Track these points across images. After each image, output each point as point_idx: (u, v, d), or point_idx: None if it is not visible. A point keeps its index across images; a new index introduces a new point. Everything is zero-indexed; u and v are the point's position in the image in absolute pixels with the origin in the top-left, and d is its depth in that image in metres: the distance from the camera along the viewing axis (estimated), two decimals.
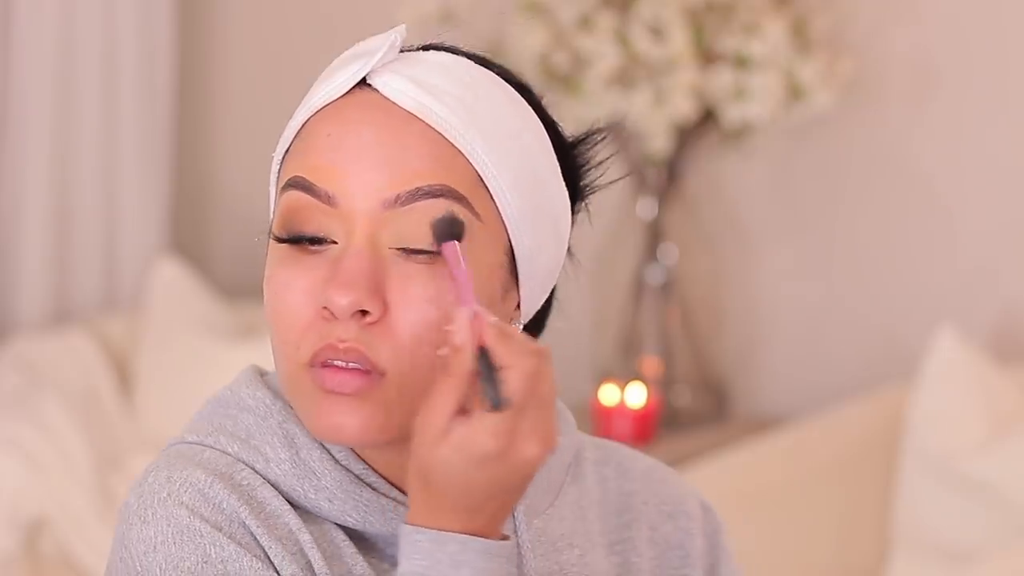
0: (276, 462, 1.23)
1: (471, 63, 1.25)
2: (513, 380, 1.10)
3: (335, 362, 1.17)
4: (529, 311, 1.27)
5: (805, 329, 3.38)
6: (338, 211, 1.19)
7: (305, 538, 1.21)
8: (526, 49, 3.12)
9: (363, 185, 1.18)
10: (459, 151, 1.20)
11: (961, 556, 2.77)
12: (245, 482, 1.22)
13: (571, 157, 1.29)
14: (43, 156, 3.54)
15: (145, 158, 3.68)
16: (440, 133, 1.20)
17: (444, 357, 1.13)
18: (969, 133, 3.18)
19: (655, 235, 3.31)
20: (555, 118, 1.29)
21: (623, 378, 3.22)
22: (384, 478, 1.24)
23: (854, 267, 3.31)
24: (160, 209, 3.72)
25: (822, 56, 3.13)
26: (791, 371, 3.39)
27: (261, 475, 1.23)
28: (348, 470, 1.23)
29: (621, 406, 3.17)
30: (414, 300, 1.17)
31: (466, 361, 1.11)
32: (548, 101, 1.29)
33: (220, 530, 1.19)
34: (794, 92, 3.10)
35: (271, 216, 1.25)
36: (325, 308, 1.17)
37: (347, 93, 1.21)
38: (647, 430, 3.17)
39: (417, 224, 1.18)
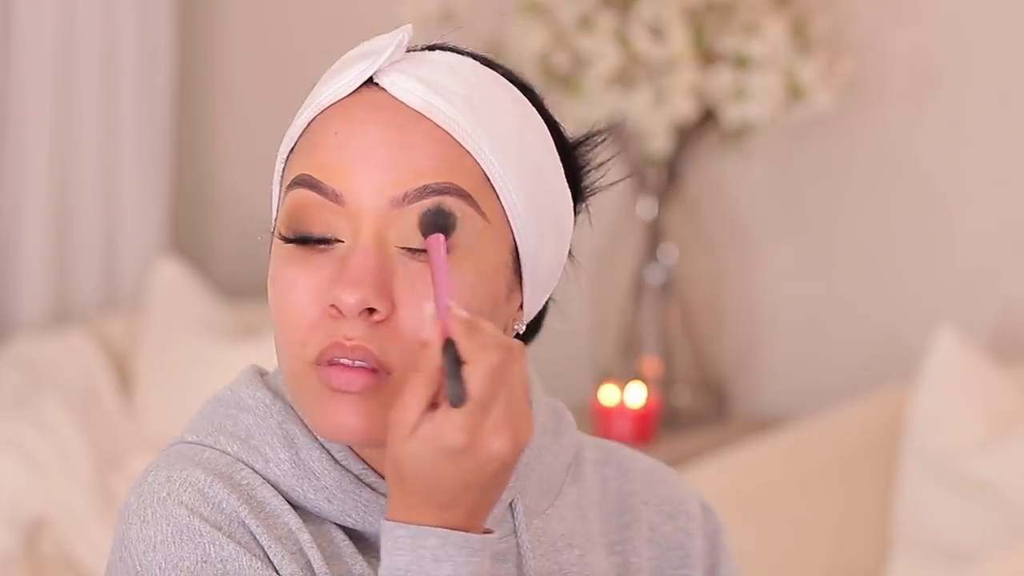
0: (276, 462, 1.23)
1: (476, 63, 1.25)
2: (476, 375, 1.11)
3: (341, 360, 1.17)
4: (531, 311, 1.28)
5: (805, 329, 3.38)
6: (345, 209, 1.19)
7: (304, 538, 1.21)
8: (526, 49, 3.12)
9: (371, 183, 1.18)
10: (466, 151, 1.20)
11: (961, 556, 2.77)
12: (245, 482, 1.22)
13: (572, 158, 1.29)
14: (43, 156, 3.54)
15: (145, 158, 3.68)
16: (447, 132, 1.20)
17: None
18: (969, 133, 3.18)
19: (655, 235, 3.31)
20: (557, 119, 1.29)
21: (623, 378, 3.22)
22: (384, 478, 1.24)
23: (854, 267, 3.31)
24: (160, 209, 3.72)
25: (822, 56, 3.13)
26: (791, 371, 3.39)
27: (261, 475, 1.23)
28: (348, 470, 1.24)
29: (621, 406, 3.17)
30: (421, 299, 1.17)
31: (434, 357, 1.12)
32: (549, 102, 1.29)
33: (220, 530, 1.19)
34: (794, 92, 3.10)
35: (274, 215, 1.25)
36: (332, 306, 1.17)
37: (354, 92, 1.21)
38: (647, 430, 3.17)
39: None
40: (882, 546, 2.91)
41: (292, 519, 1.21)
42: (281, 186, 1.25)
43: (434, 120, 1.20)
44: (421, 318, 1.16)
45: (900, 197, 3.25)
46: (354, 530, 1.23)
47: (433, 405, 1.12)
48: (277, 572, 1.19)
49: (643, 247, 3.31)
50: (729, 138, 3.19)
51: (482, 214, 1.20)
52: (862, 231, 3.29)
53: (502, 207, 1.22)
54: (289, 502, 1.23)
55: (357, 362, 1.17)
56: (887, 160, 3.25)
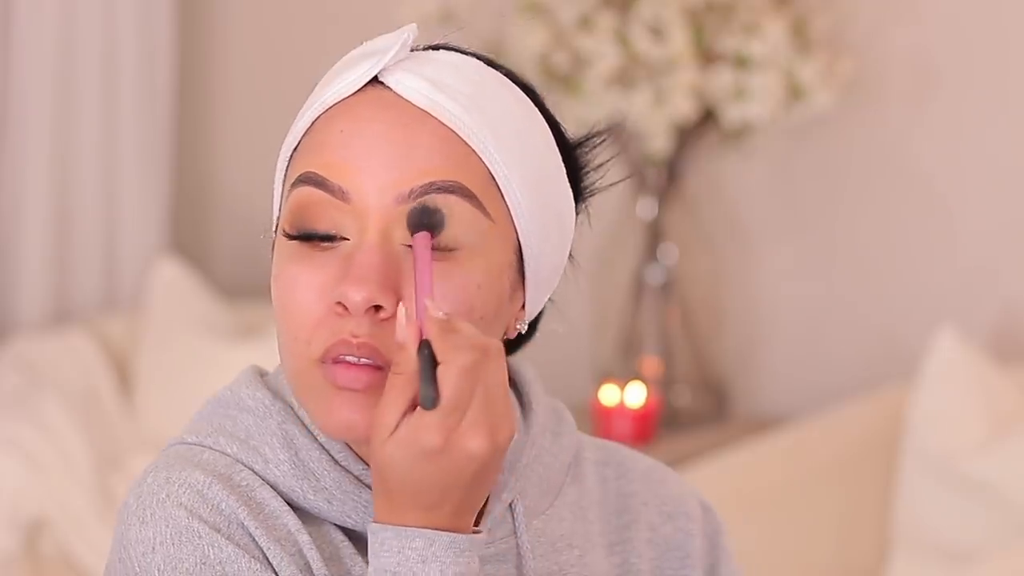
0: (275, 463, 1.23)
1: (480, 63, 1.25)
2: (448, 376, 1.11)
3: (347, 358, 1.17)
4: (532, 311, 1.28)
5: (805, 329, 3.38)
6: (351, 207, 1.19)
7: (304, 539, 1.21)
8: (526, 49, 3.12)
9: (376, 181, 1.18)
10: (471, 149, 1.20)
11: (961, 556, 2.77)
12: (244, 483, 1.22)
13: (573, 158, 1.30)
14: (43, 156, 3.54)
15: (145, 158, 3.68)
16: (453, 131, 1.20)
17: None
18: (969, 133, 3.18)
19: (655, 235, 3.31)
20: (558, 119, 1.29)
21: (623, 378, 3.22)
22: None
23: (854, 267, 3.31)
24: (160, 209, 3.72)
25: (822, 56, 3.13)
26: (791, 371, 3.39)
27: (260, 476, 1.23)
28: (347, 471, 1.23)
29: (621, 406, 3.17)
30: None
31: (410, 358, 1.12)
32: (549, 102, 1.29)
33: (218, 531, 1.19)
34: (794, 92, 3.10)
35: (276, 213, 1.25)
36: (338, 304, 1.17)
37: (359, 91, 1.21)
38: (647, 430, 3.17)
39: None
40: (882, 546, 2.91)
41: (291, 520, 1.21)
42: (284, 184, 1.24)
43: (440, 119, 1.20)
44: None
45: (900, 197, 3.25)
46: (353, 531, 1.23)
47: (413, 407, 1.12)
48: (276, 574, 1.19)
49: (643, 247, 3.31)
50: (729, 138, 3.19)
51: (487, 214, 1.20)
52: (862, 231, 3.29)
53: (506, 206, 1.22)
54: (288, 503, 1.23)
55: (363, 359, 1.17)
56: (887, 160, 3.25)
